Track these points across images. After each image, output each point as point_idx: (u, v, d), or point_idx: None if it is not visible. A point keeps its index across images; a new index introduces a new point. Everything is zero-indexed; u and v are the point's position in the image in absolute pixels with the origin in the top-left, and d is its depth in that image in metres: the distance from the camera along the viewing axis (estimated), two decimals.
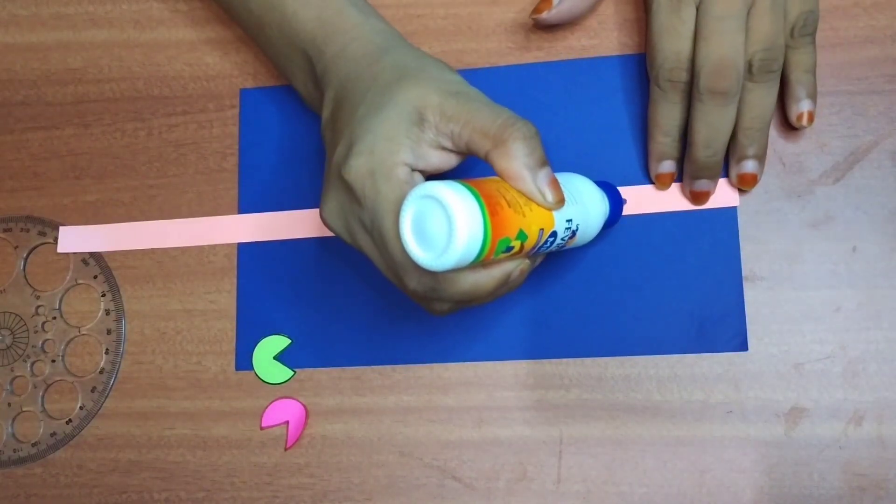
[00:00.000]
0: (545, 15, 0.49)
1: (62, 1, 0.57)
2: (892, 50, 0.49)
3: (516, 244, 0.38)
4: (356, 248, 0.43)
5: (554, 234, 0.41)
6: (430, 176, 0.42)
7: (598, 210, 0.45)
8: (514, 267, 0.40)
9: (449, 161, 0.42)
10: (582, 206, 0.43)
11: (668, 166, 0.49)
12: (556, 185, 0.40)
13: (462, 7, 0.53)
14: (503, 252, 0.38)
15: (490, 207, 0.37)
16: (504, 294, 0.43)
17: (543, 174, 0.40)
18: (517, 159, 0.39)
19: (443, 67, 0.43)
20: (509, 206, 0.38)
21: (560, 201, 0.40)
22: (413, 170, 0.41)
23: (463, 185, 0.37)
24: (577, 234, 0.43)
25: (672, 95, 0.46)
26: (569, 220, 0.41)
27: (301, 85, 0.48)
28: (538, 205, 0.39)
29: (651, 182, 0.50)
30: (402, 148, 0.40)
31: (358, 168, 0.40)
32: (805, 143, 0.49)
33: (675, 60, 0.46)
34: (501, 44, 0.53)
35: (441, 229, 0.36)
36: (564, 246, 0.43)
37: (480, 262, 0.38)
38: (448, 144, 0.41)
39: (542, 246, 0.40)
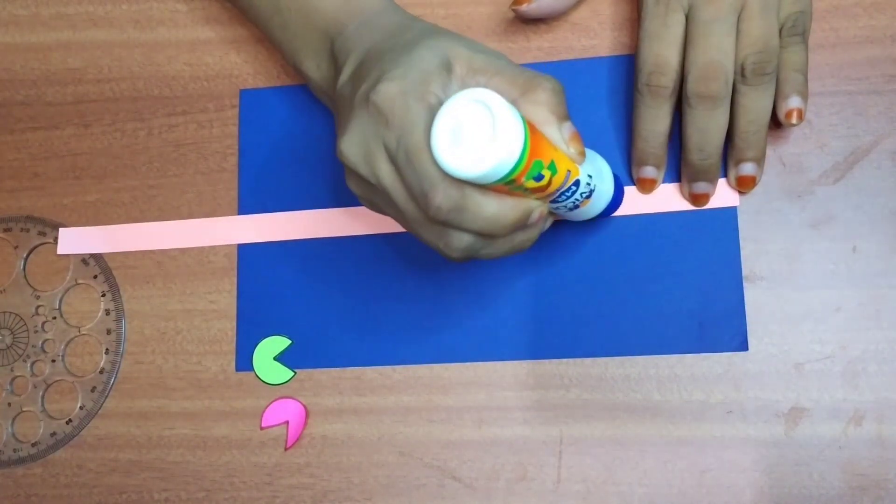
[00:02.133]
0: (524, 7, 0.49)
1: (62, 1, 0.57)
2: (892, 50, 0.49)
3: (546, 174, 0.38)
4: (373, 184, 0.41)
5: (577, 182, 0.41)
6: None
7: (609, 187, 0.46)
8: (536, 206, 0.40)
9: None
10: (598, 173, 0.44)
11: (648, 172, 0.49)
12: (578, 138, 0.40)
13: (462, 7, 0.53)
14: (533, 179, 0.38)
15: (530, 127, 0.37)
16: (518, 248, 0.42)
17: (567, 126, 0.40)
18: (544, 105, 0.39)
19: (469, 38, 0.43)
20: (543, 137, 0.39)
21: (582, 153, 0.41)
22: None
23: (515, 109, 0.37)
24: (592, 197, 0.43)
25: (651, 100, 0.47)
26: (590, 177, 0.42)
27: (314, 66, 0.48)
28: (563, 152, 0.40)
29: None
30: (434, 81, 0.39)
31: (388, 89, 0.39)
32: (805, 143, 0.49)
33: (655, 65, 0.46)
34: (501, 44, 0.53)
35: (482, 133, 0.36)
36: (576, 207, 0.43)
37: (511, 182, 0.37)
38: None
39: (563, 192, 0.41)
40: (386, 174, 0.40)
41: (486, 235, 0.40)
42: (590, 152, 0.44)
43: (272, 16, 0.49)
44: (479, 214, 0.39)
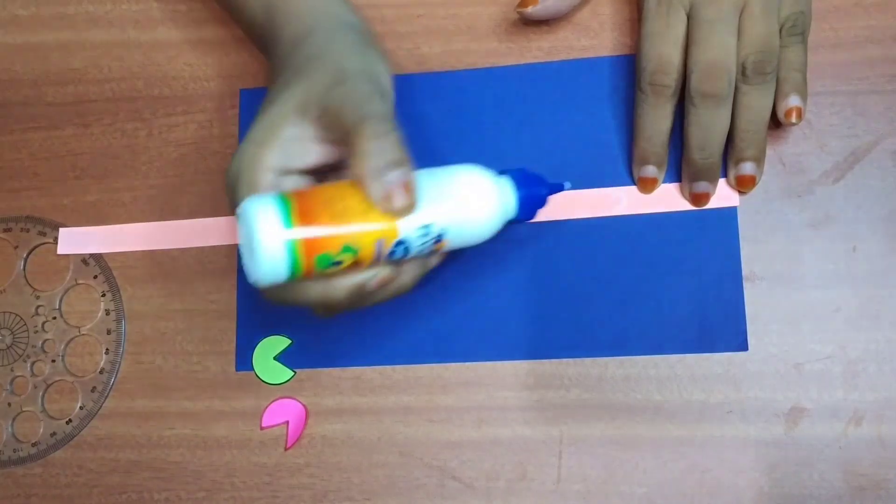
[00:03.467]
0: (530, 10, 0.49)
1: (62, 1, 0.57)
2: (892, 50, 0.49)
3: (345, 258, 0.38)
4: None
5: (401, 242, 0.39)
6: (320, 172, 0.42)
7: (489, 208, 0.41)
8: (369, 277, 0.40)
9: (335, 154, 0.42)
10: (457, 207, 0.41)
11: (649, 171, 0.49)
12: (407, 188, 0.38)
13: (462, 7, 0.53)
14: (330, 267, 0.38)
15: (305, 222, 0.37)
16: (385, 299, 0.42)
17: (395, 175, 0.38)
18: (363, 159, 0.38)
19: (357, 52, 0.43)
20: (335, 218, 0.38)
21: (407, 207, 0.38)
22: (285, 172, 0.41)
23: (283, 199, 0.38)
24: (448, 237, 0.41)
25: (654, 99, 0.47)
26: (426, 226, 0.39)
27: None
28: (381, 211, 0.38)
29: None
30: (271, 152, 0.40)
31: (230, 171, 0.41)
32: (805, 143, 0.49)
33: (658, 64, 0.46)
34: (501, 44, 0.53)
35: (248, 247, 0.38)
36: (439, 249, 0.41)
37: (311, 276, 0.38)
38: (332, 136, 0.41)
39: (391, 254, 0.39)
40: None
41: (333, 309, 0.41)
42: (454, 178, 0.41)
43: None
44: (307, 301, 0.40)
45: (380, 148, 0.38)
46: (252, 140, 0.41)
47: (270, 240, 0.37)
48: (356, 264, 0.39)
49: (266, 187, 0.40)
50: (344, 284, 0.39)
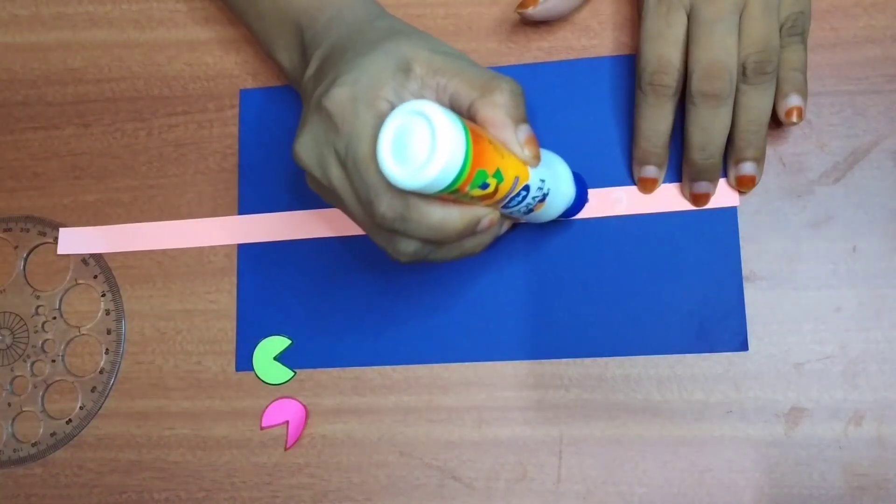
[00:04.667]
0: (531, 10, 0.49)
1: (62, 1, 0.57)
2: (892, 50, 0.49)
3: (492, 182, 0.39)
4: (326, 186, 0.42)
5: (527, 188, 0.41)
6: None
7: (568, 189, 0.46)
8: (484, 214, 0.41)
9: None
10: (554, 176, 0.44)
11: (649, 171, 0.49)
12: (534, 141, 0.41)
13: (462, 7, 0.53)
14: (478, 188, 0.38)
15: (474, 137, 0.37)
16: (469, 253, 0.43)
17: (523, 129, 0.41)
18: (502, 108, 0.40)
19: (433, 37, 0.44)
20: (493, 145, 0.39)
21: (536, 157, 0.41)
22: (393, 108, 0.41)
23: (457, 117, 0.38)
24: (546, 201, 0.44)
25: (654, 100, 0.47)
26: (542, 181, 0.42)
27: (287, 57, 0.48)
28: (516, 156, 0.40)
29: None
30: (387, 86, 0.40)
31: (339, 95, 0.40)
32: (805, 143, 0.49)
33: (658, 64, 0.46)
34: (501, 44, 0.53)
35: (423, 144, 0.37)
36: (531, 211, 0.43)
37: (455, 191, 0.38)
38: (431, 97, 0.41)
39: (513, 198, 0.41)
40: (337, 178, 0.41)
41: (433, 242, 0.41)
42: (547, 154, 0.45)
43: (248, 7, 0.50)
44: (423, 223, 0.39)
45: (516, 102, 0.40)
46: (366, 71, 0.40)
47: (455, 140, 0.36)
48: (490, 196, 0.40)
49: (385, 112, 0.39)
50: (464, 214, 0.40)
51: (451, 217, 0.40)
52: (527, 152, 0.40)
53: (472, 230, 0.41)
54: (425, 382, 0.50)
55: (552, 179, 0.44)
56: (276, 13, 0.48)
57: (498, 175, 0.39)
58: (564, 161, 0.46)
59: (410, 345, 0.51)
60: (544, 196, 0.43)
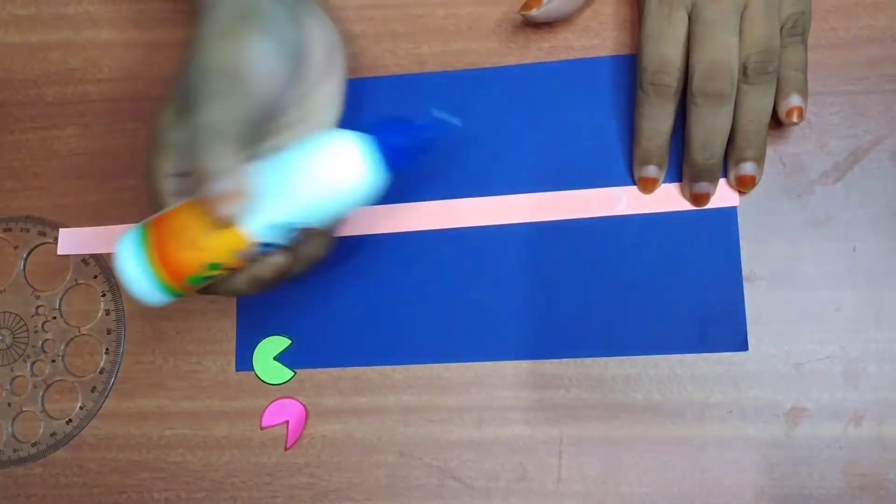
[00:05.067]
0: (534, 12, 0.49)
1: (62, 1, 0.57)
2: (892, 50, 0.49)
3: (216, 272, 0.40)
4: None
5: (260, 244, 0.40)
6: None
7: (346, 181, 0.40)
8: (260, 271, 0.41)
9: None
10: (302, 194, 0.39)
11: (650, 171, 0.49)
12: (227, 199, 0.38)
13: (462, 7, 0.53)
14: (206, 281, 0.40)
15: (161, 254, 0.39)
16: (304, 270, 0.43)
17: (212, 190, 0.38)
18: (192, 192, 0.40)
19: (226, 33, 0.42)
20: (189, 245, 0.39)
21: (230, 218, 0.38)
22: (185, 173, 0.41)
23: (142, 233, 0.39)
24: (314, 219, 0.40)
25: (655, 100, 0.47)
26: (273, 226, 0.39)
27: None
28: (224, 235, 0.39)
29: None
30: (163, 159, 0.41)
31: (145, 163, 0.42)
32: (805, 143, 0.49)
33: (660, 64, 0.46)
34: (501, 44, 0.53)
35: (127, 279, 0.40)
36: (312, 232, 0.41)
37: (194, 290, 0.41)
38: None
39: (263, 250, 0.40)
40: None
41: (250, 291, 0.43)
42: (294, 165, 0.40)
43: None
44: (217, 293, 0.43)
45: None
46: (147, 149, 0.42)
47: (137, 279, 0.39)
48: (234, 270, 0.40)
49: (169, 193, 0.41)
50: (241, 280, 0.41)
51: (232, 285, 0.42)
52: (225, 219, 0.38)
53: (259, 283, 0.42)
54: (425, 382, 0.50)
55: (299, 202, 0.39)
56: None
57: (214, 266, 0.39)
58: (346, 133, 0.40)
59: (410, 345, 0.51)
60: (294, 229, 0.40)
